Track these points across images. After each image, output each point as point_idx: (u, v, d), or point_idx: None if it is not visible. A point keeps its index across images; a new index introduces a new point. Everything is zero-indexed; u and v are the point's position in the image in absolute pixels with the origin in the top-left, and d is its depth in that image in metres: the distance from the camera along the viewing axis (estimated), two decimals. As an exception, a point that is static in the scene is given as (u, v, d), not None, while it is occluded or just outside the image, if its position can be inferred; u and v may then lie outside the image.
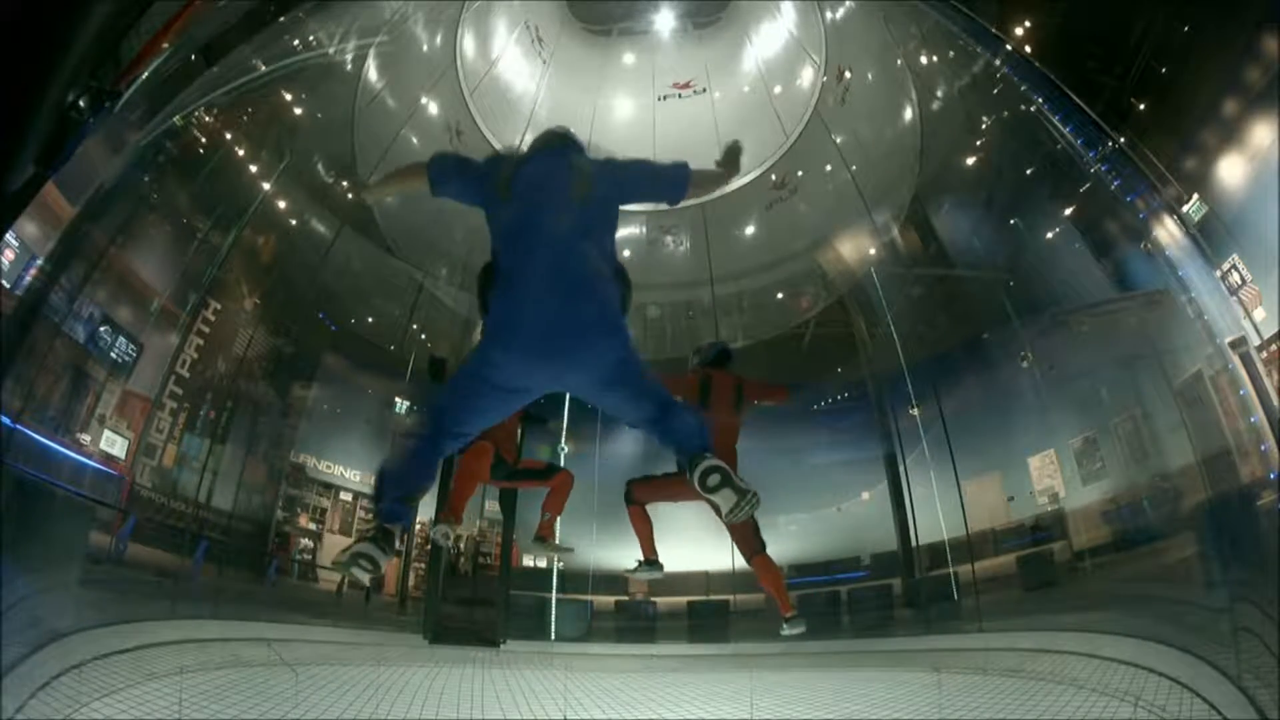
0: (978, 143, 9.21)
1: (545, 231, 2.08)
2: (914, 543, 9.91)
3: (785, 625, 3.92)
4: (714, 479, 2.02)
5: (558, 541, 4.21)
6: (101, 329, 6.99)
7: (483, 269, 2.40)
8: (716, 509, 2.11)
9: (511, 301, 2.04)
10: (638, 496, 4.10)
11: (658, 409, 2.11)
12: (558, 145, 2.41)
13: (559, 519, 4.21)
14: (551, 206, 2.13)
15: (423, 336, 11.45)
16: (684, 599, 10.83)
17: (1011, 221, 8.92)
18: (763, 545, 4.05)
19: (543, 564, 11.00)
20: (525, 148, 2.49)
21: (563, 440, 10.75)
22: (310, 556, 10.01)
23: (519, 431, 4.43)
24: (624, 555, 11.44)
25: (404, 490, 2.13)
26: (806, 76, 11.43)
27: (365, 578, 2.14)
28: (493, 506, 11.22)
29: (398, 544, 2.14)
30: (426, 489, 2.18)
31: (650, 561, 4.26)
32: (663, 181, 2.38)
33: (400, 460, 2.17)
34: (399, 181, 2.60)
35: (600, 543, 10.85)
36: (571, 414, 10.97)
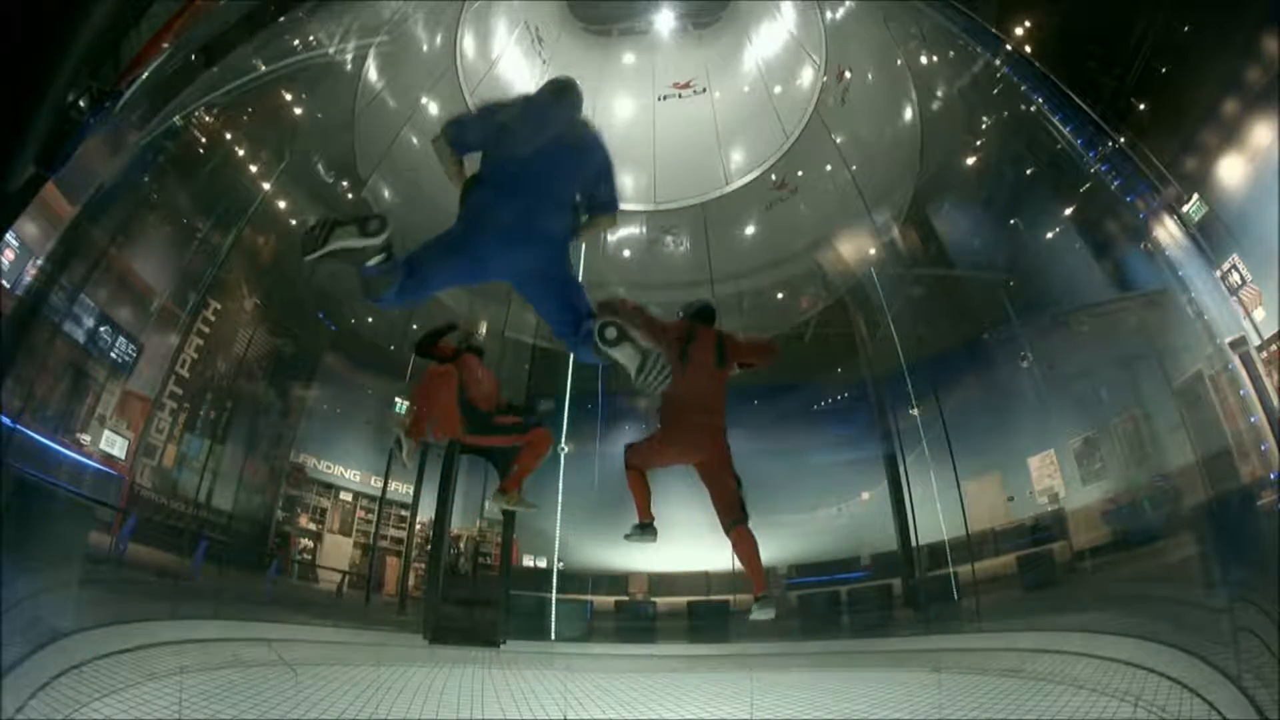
0: (978, 143, 9.21)
1: (535, 161, 2.60)
2: (914, 543, 9.90)
3: (755, 607, 3.71)
4: (611, 332, 2.35)
5: (521, 497, 3.99)
6: (101, 329, 6.98)
7: (469, 178, 2.76)
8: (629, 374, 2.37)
9: (486, 197, 2.60)
10: (633, 461, 3.94)
11: (576, 316, 2.53)
12: (567, 100, 2.84)
13: (527, 478, 4.00)
14: (544, 144, 2.63)
15: (423, 336, 11.44)
16: (684, 599, 10.83)
17: (1011, 221, 8.91)
18: (745, 515, 3.81)
19: (543, 564, 11.00)
20: (534, 93, 2.89)
21: (562, 440, 10.75)
22: (310, 556, 10.01)
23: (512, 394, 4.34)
24: (624, 556, 11.49)
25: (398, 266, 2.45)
26: (806, 76, 11.43)
27: (345, 238, 2.28)
28: (493, 506, 11.22)
29: (376, 260, 2.34)
30: (386, 291, 2.46)
31: (644, 525, 4.04)
32: (607, 190, 2.87)
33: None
34: (439, 156, 2.86)
35: (600, 543, 10.86)
36: (571, 414, 11.00)
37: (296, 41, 8.28)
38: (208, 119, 7.87)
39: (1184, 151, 5.89)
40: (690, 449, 3.87)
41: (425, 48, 10.66)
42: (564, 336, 2.61)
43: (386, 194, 10.90)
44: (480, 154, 2.74)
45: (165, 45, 3.44)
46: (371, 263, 2.32)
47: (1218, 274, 5.57)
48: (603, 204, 2.87)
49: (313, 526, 10.12)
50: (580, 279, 2.88)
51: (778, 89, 11.96)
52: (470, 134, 2.76)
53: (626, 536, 4.07)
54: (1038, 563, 8.32)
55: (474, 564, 11.50)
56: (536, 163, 2.62)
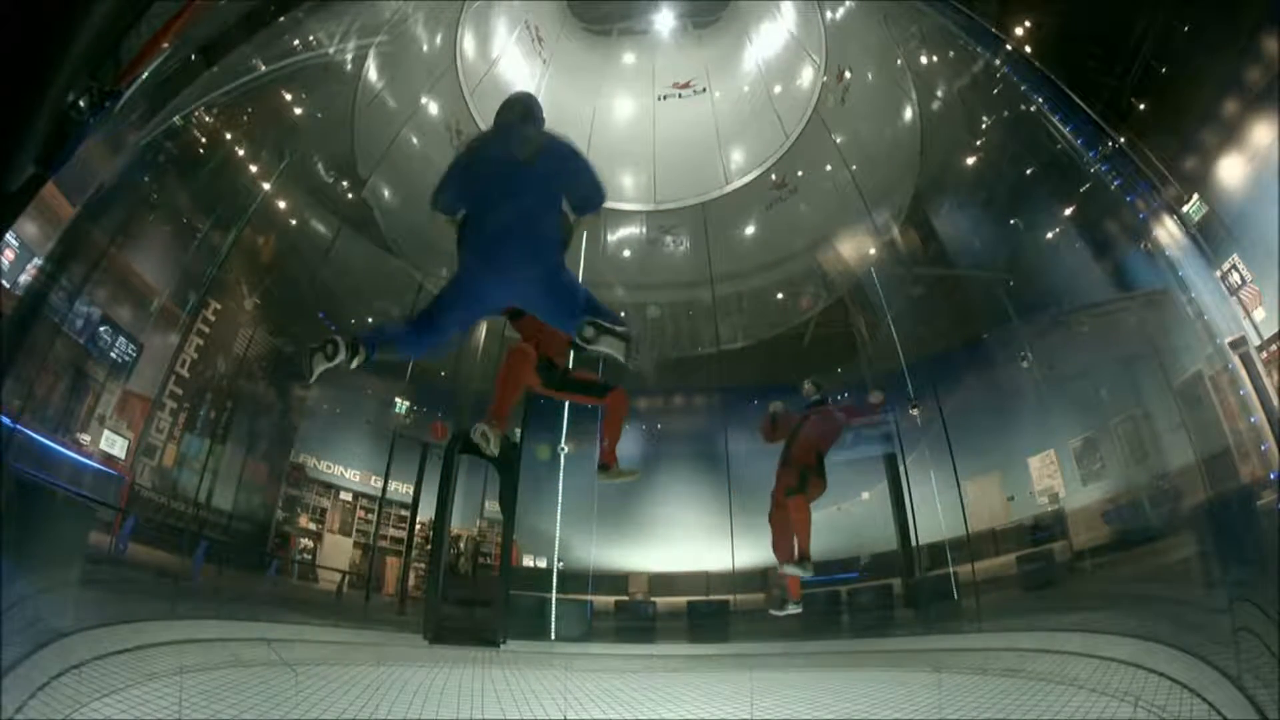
0: (978, 143, 9.20)
1: (501, 188, 2.77)
2: (914, 543, 9.90)
3: (789, 604, 4.58)
4: (589, 331, 2.54)
5: (621, 467, 4.01)
6: (101, 329, 6.98)
7: (461, 219, 2.95)
8: (618, 360, 2.56)
9: (473, 236, 2.80)
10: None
11: (578, 315, 2.68)
12: (513, 119, 2.99)
13: (618, 443, 3.99)
14: (505, 170, 2.79)
15: (423, 336, 11.44)
16: (684, 599, 10.83)
17: (1011, 221, 8.91)
18: (802, 485, 4.64)
19: (543, 564, 11.00)
20: (491, 123, 3.05)
21: (563, 440, 10.75)
22: (310, 556, 10.01)
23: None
24: (624, 556, 11.47)
25: (383, 337, 2.80)
26: (806, 76, 11.43)
27: (320, 363, 2.58)
28: (493, 506, 11.23)
29: (355, 362, 2.60)
30: (398, 351, 2.84)
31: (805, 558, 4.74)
32: (585, 191, 2.93)
33: (392, 326, 2.89)
34: (443, 224, 3.08)
35: (600, 543, 10.85)
36: (571, 414, 10.99)
37: (296, 41, 8.28)
38: (208, 119, 7.87)
39: (1184, 151, 5.89)
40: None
41: (425, 48, 10.66)
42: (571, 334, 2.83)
43: (386, 194, 10.91)
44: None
45: (165, 45, 3.43)
46: (354, 365, 2.59)
47: (1218, 274, 5.57)
48: (585, 203, 2.95)
49: (313, 526, 10.12)
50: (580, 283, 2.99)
51: (778, 89, 11.96)
52: (452, 192, 2.92)
53: (789, 568, 4.90)
54: (1038, 563, 8.31)
55: (474, 564, 11.50)
56: (510, 188, 2.76)
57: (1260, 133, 5.10)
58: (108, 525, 6.72)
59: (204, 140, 7.99)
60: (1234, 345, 5.52)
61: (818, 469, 5.01)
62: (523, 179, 2.77)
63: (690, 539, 11.39)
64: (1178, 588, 5.68)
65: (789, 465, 5.06)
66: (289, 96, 9.09)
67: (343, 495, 10.59)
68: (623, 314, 2.69)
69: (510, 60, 11.95)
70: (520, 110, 3.01)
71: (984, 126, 8.97)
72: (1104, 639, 5.42)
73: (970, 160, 9.44)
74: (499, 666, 7.54)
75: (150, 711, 3.91)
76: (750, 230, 12.56)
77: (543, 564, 10.97)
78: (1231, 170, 5.44)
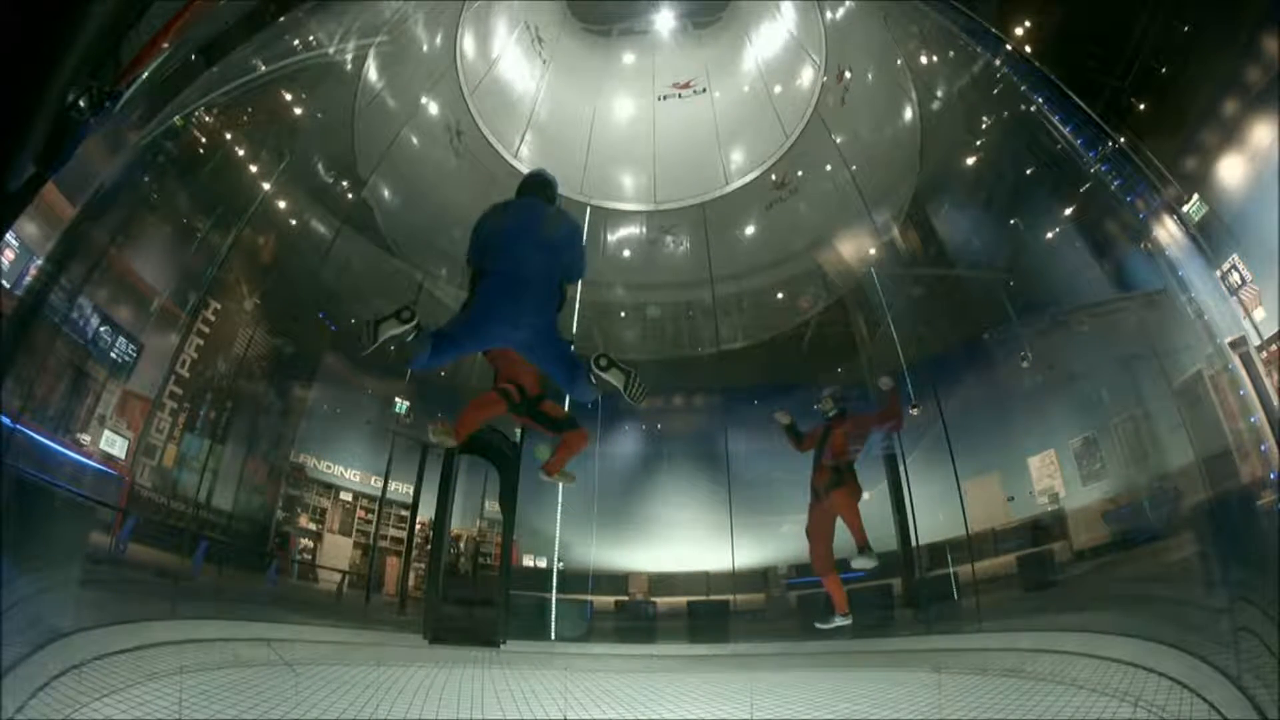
0: (978, 143, 9.20)
1: (519, 254, 3.27)
2: (914, 543, 9.90)
3: (836, 617, 5.18)
4: (603, 360, 3.14)
5: (563, 472, 4.51)
6: (101, 329, 6.98)
7: (474, 271, 3.44)
8: (619, 392, 3.15)
9: (487, 291, 3.25)
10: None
11: (568, 369, 3.30)
12: (537, 195, 3.58)
13: (567, 463, 4.47)
14: (525, 239, 3.30)
15: (423, 336, 11.43)
16: (684, 599, 10.83)
17: (1011, 221, 8.91)
18: (839, 480, 5.58)
19: (543, 564, 11.01)
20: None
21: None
22: (310, 556, 10.01)
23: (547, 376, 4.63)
24: (624, 556, 11.47)
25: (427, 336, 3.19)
26: (806, 76, 11.43)
27: (390, 327, 2.94)
28: (493, 506, 11.23)
29: (411, 336, 3.01)
30: (414, 360, 3.22)
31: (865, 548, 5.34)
32: (576, 263, 3.46)
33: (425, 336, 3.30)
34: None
35: (600, 543, 10.86)
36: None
37: (296, 41, 8.27)
38: (208, 119, 7.87)
39: (1184, 151, 5.88)
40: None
41: (425, 48, 10.66)
42: (562, 384, 3.39)
43: (386, 194, 10.91)
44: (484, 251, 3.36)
45: (165, 45, 3.44)
46: (410, 339, 3.01)
47: (1218, 274, 5.57)
48: (572, 272, 3.43)
49: (313, 526, 10.12)
50: (576, 302, 3.37)
51: (778, 89, 11.96)
52: (477, 251, 3.38)
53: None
54: (1038, 563, 8.31)
55: (474, 564, 11.50)
56: (528, 255, 3.25)
57: (1260, 133, 5.09)
58: (108, 525, 6.72)
59: (204, 140, 7.99)
60: (1234, 345, 5.52)
61: (849, 472, 5.71)
62: (539, 248, 3.27)
63: (690, 539, 11.39)
64: (1178, 588, 5.68)
65: (821, 473, 5.79)
66: (289, 96, 9.09)
67: (343, 495, 10.59)
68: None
69: (510, 60, 11.95)
70: (545, 189, 3.58)
71: (984, 126, 8.97)
72: (1104, 639, 5.42)
73: (970, 160, 9.43)
74: (499, 666, 7.54)
75: (150, 711, 3.91)
76: (750, 230, 12.56)
77: (543, 564, 10.98)
78: (1231, 170, 5.43)
